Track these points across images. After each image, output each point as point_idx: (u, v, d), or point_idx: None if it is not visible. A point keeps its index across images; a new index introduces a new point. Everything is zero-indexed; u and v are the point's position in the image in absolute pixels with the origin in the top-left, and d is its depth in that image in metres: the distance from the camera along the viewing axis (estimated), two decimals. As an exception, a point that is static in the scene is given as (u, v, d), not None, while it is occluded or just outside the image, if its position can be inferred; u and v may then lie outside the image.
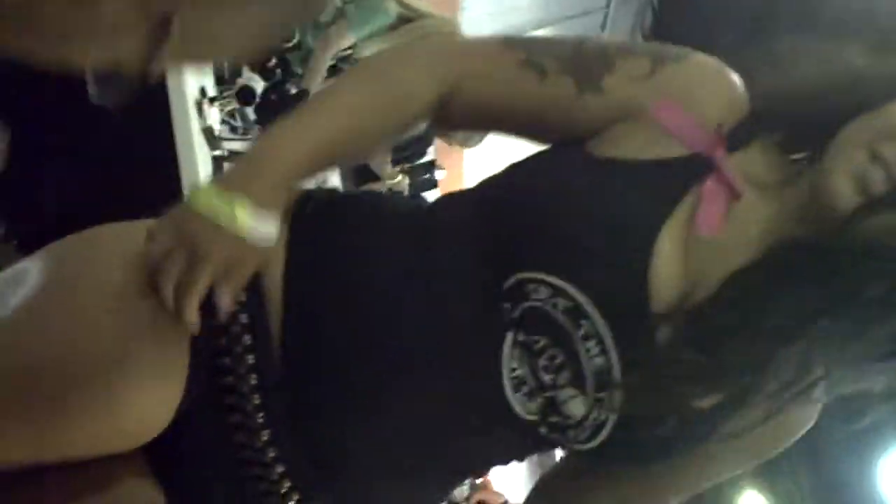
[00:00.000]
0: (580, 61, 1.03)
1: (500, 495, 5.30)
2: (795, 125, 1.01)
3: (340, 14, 3.46)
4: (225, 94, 2.64)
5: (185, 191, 2.16)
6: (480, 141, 4.30)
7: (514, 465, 1.11)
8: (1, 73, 1.75)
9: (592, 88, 1.02)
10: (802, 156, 1.01)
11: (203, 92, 2.48)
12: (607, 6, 7.16)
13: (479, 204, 1.04)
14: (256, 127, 2.72)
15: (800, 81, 1.02)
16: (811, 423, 1.09)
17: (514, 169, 1.07)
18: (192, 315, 0.92)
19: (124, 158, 2.08)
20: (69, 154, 2.10)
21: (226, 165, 2.42)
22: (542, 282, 0.94)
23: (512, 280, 0.96)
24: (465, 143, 4.36)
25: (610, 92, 1.02)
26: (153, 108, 2.19)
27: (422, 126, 1.10)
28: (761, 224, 0.98)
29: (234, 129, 2.67)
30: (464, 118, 1.09)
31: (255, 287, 0.98)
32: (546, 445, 1.09)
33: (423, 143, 4.49)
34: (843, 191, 0.90)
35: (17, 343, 0.93)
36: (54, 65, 0.69)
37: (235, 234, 0.93)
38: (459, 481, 1.15)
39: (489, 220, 1.00)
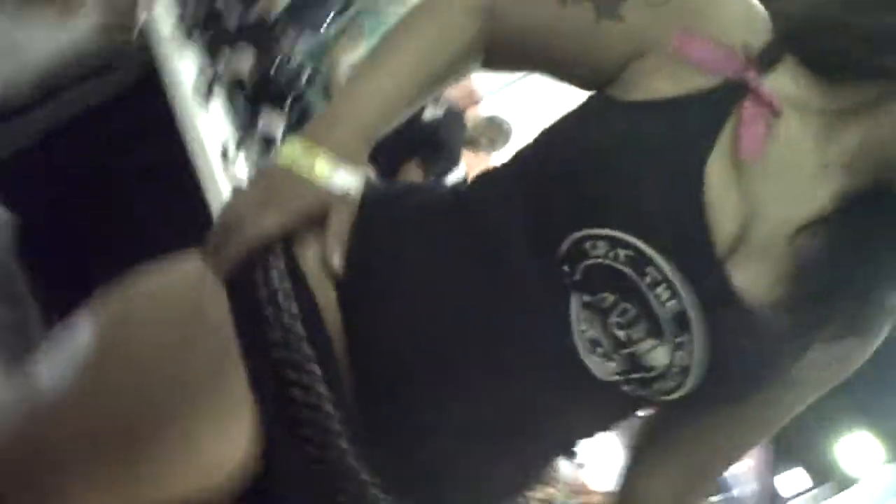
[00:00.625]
0: None
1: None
2: (826, 44, 0.98)
3: (342, 31, 3.48)
4: (246, 145, 2.64)
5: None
6: (506, 143, 4.26)
7: (599, 437, 1.08)
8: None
9: (610, 14, 1.00)
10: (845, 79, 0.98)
11: (225, 152, 2.47)
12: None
13: (519, 174, 1.03)
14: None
15: None
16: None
17: (547, 134, 1.05)
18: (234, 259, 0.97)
19: (155, 216, 2.09)
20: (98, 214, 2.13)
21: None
22: (598, 237, 0.92)
23: (567, 243, 0.93)
24: (492, 148, 4.32)
25: (628, 18, 1.00)
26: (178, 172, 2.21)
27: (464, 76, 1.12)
28: (811, 147, 0.96)
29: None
30: (503, 48, 1.09)
31: (310, 307, 0.96)
32: (631, 407, 1.07)
33: (451, 159, 4.48)
34: None
35: (88, 408, 0.94)
36: None
37: (314, 184, 0.96)
38: (547, 461, 1.12)
39: (532, 188, 0.98)
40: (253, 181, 1.02)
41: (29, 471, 0.93)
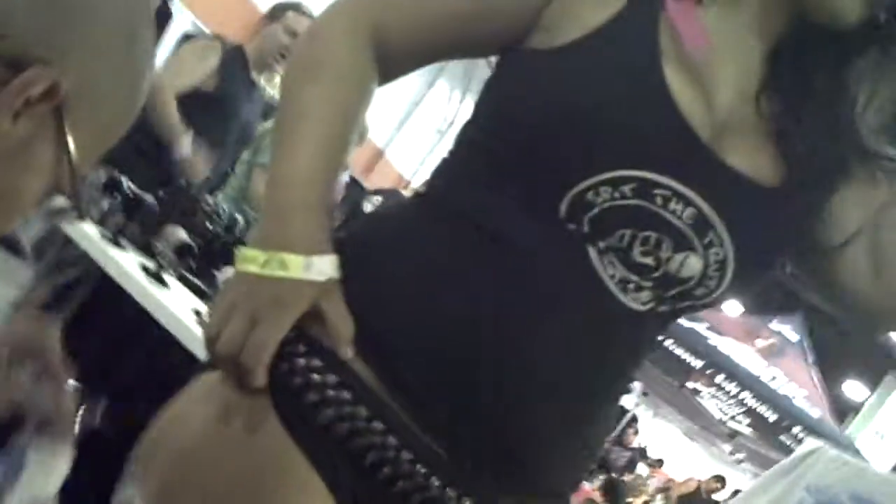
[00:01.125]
0: None
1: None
2: None
3: (251, 169, 3.52)
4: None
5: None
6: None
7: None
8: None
9: None
10: None
11: (197, 312, 2.47)
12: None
13: (482, 155, 1.01)
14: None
15: None
16: None
17: (493, 106, 1.04)
18: (261, 378, 0.92)
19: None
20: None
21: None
22: (598, 183, 0.92)
23: (565, 202, 0.94)
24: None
25: None
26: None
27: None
28: (736, 19, 0.98)
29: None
30: (400, 55, 1.06)
31: (345, 372, 0.95)
32: (662, 327, 1.06)
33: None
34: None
35: None
36: None
37: (295, 286, 0.93)
38: (619, 397, 1.11)
39: (504, 163, 0.97)
40: (225, 298, 0.96)
41: None
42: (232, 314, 0.92)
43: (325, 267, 0.94)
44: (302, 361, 0.93)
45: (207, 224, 2.75)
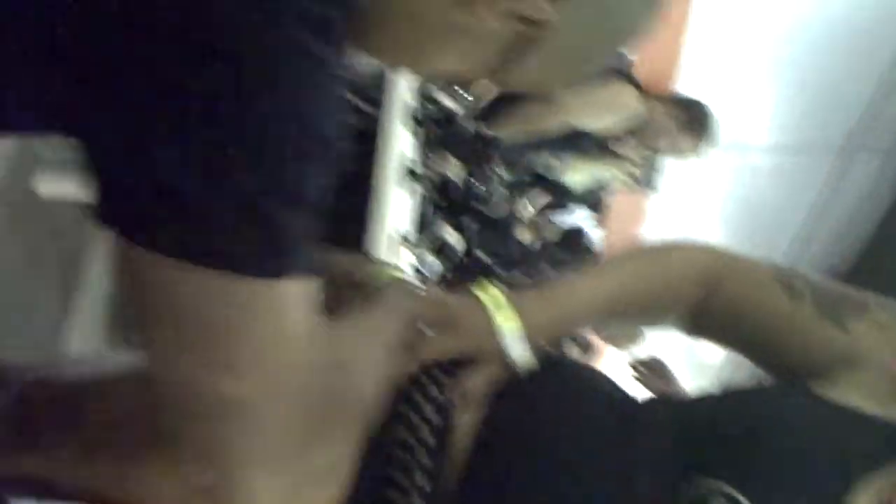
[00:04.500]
0: (832, 294, 1.02)
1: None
2: None
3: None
4: (421, 242, 2.71)
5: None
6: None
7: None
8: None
9: (834, 320, 0.99)
10: None
11: (401, 234, 2.56)
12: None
13: (688, 410, 1.01)
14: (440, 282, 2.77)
15: None
16: None
17: (732, 391, 1.04)
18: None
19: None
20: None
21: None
22: (729, 496, 0.88)
23: (699, 485, 0.90)
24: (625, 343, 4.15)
25: (854, 335, 0.98)
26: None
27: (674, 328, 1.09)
28: None
29: (421, 279, 2.73)
30: (714, 320, 1.07)
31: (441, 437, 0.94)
32: None
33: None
34: None
35: None
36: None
37: (498, 337, 0.96)
38: None
39: (693, 427, 0.96)
40: (448, 300, 1.00)
41: None
42: (438, 310, 0.98)
43: (523, 356, 0.97)
44: (430, 409, 0.94)
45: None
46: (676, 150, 3.14)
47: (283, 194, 0.58)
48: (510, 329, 0.96)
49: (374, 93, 2.48)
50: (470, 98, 2.58)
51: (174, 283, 0.58)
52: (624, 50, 0.80)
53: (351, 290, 1.00)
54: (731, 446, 0.92)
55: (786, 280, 1.02)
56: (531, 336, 0.97)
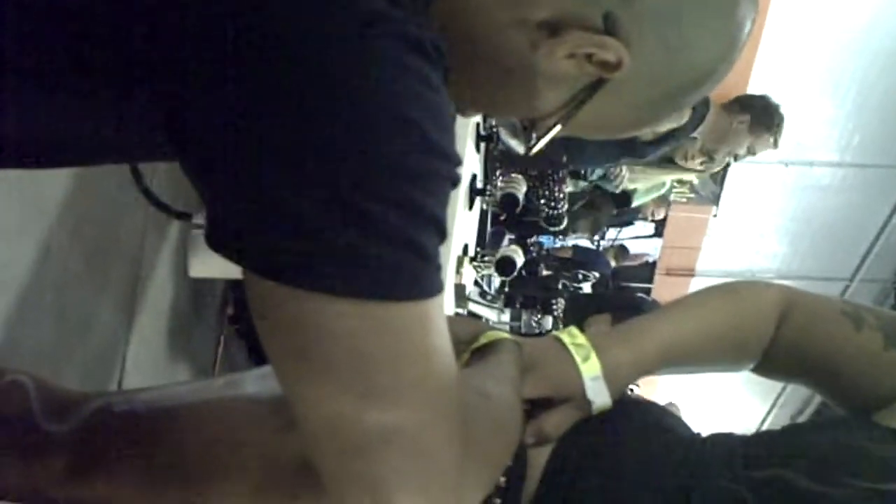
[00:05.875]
0: None
1: None
2: None
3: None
4: (485, 257, 2.69)
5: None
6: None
7: None
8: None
9: None
10: None
11: (465, 250, 2.54)
12: (851, 279, 7.03)
13: (752, 444, 0.98)
14: (501, 297, 2.74)
15: None
16: None
17: (794, 425, 1.04)
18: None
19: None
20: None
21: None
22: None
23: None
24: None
25: None
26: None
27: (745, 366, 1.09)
28: None
29: (482, 294, 2.71)
30: (783, 354, 1.05)
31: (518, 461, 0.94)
32: None
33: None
34: None
35: None
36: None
37: (578, 376, 0.95)
38: None
39: (757, 460, 0.94)
40: (529, 343, 1.00)
41: None
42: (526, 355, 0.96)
43: (603, 396, 0.96)
44: None
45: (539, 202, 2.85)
46: (753, 152, 3.08)
47: (422, 216, 0.57)
48: (591, 373, 0.96)
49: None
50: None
51: (317, 315, 0.57)
52: (700, 96, 0.78)
53: (460, 348, 0.98)
54: (790, 467, 0.90)
55: (853, 312, 1.01)
56: (611, 379, 0.97)
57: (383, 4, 0.56)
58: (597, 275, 3.21)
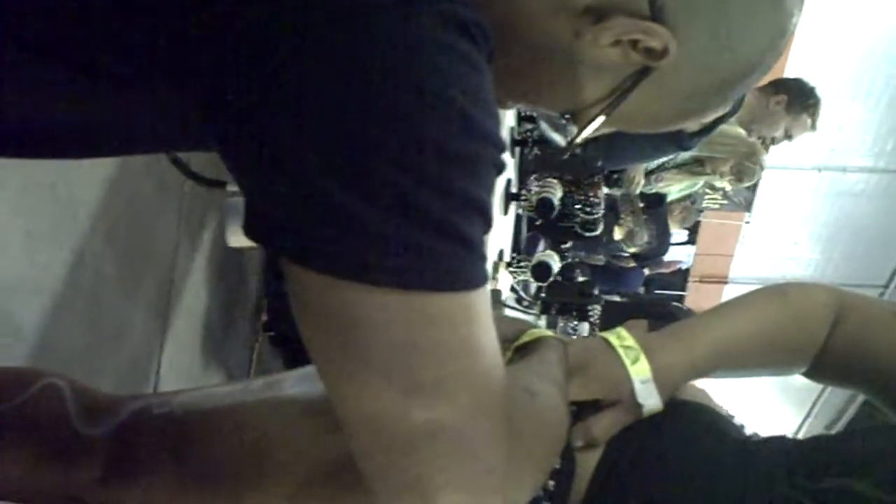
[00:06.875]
0: None
1: None
2: None
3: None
4: (521, 263, 2.66)
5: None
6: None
7: None
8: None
9: None
10: None
11: (501, 255, 2.52)
12: (886, 286, 6.96)
13: (804, 447, 0.97)
14: (537, 303, 2.71)
15: None
16: None
17: (845, 431, 1.00)
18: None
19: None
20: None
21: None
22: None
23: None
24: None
25: None
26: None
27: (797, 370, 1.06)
28: None
29: (518, 300, 2.67)
30: (835, 359, 1.02)
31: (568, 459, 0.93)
32: None
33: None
34: None
35: None
36: None
37: (627, 378, 0.93)
38: None
39: (809, 462, 0.92)
40: (578, 344, 0.99)
41: None
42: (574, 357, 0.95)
43: (652, 399, 0.94)
44: None
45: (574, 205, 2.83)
46: (791, 135, 3.04)
47: (466, 203, 0.54)
48: (641, 375, 0.94)
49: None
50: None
51: (357, 306, 0.55)
52: (748, 87, 0.75)
53: (504, 346, 0.97)
54: (852, 474, 0.87)
55: None
56: (661, 382, 0.95)
57: None
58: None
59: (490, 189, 0.56)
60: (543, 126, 2.64)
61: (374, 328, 0.56)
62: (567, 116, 0.76)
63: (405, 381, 0.58)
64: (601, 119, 0.72)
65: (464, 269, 0.56)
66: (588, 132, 0.75)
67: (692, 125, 2.79)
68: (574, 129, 0.76)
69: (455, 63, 0.53)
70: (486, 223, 0.56)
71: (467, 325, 0.58)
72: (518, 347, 0.96)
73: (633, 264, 4.16)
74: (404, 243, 0.53)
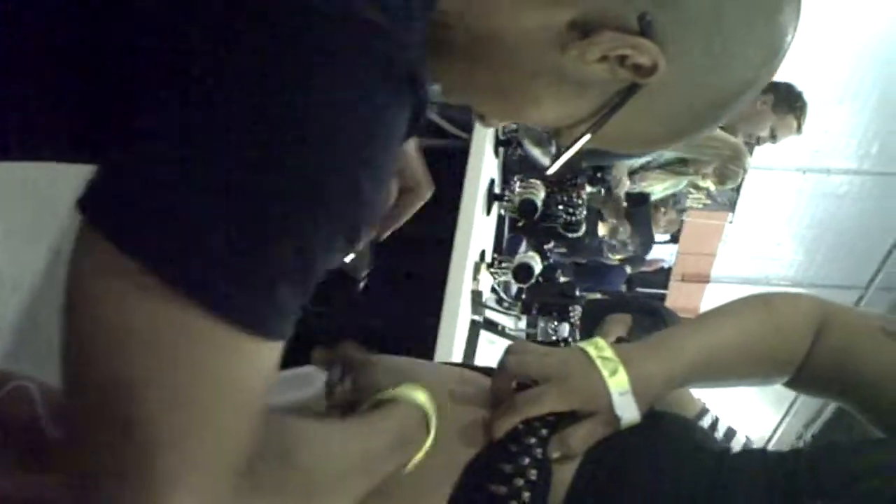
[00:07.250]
0: None
1: None
2: None
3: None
4: (503, 263, 2.66)
5: (438, 338, 2.24)
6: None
7: None
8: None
9: None
10: None
11: (482, 256, 2.52)
12: (866, 287, 6.99)
13: (785, 460, 0.96)
14: (518, 304, 2.71)
15: None
16: None
17: (830, 444, 1.00)
18: (501, 430, 0.91)
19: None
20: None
21: (481, 332, 2.42)
22: None
23: None
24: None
25: None
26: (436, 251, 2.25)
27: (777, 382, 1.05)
28: None
29: (499, 301, 2.68)
30: (819, 370, 1.02)
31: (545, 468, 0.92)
32: None
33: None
34: None
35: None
36: None
37: (605, 388, 0.92)
38: None
39: (790, 476, 0.91)
40: (547, 350, 0.99)
41: None
42: (547, 366, 0.95)
43: (630, 411, 0.93)
44: (527, 461, 0.92)
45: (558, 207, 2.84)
46: (776, 136, 3.06)
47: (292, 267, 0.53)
48: (620, 387, 0.93)
49: (460, 115, 2.45)
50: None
51: (138, 294, 0.51)
52: (740, 105, 0.73)
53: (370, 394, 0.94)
54: (830, 495, 0.87)
55: (892, 327, 0.98)
56: (640, 393, 0.94)
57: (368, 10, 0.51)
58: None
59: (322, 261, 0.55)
60: (525, 143, 2.64)
61: (133, 314, 0.52)
62: (551, 134, 0.76)
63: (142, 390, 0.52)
64: (587, 137, 0.71)
65: (278, 321, 0.54)
66: (573, 151, 0.74)
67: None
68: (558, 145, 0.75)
69: (368, 124, 0.53)
70: (305, 292, 0.55)
71: (234, 365, 0.54)
72: (376, 401, 0.91)
73: (618, 257, 4.16)
74: (218, 264, 0.51)
